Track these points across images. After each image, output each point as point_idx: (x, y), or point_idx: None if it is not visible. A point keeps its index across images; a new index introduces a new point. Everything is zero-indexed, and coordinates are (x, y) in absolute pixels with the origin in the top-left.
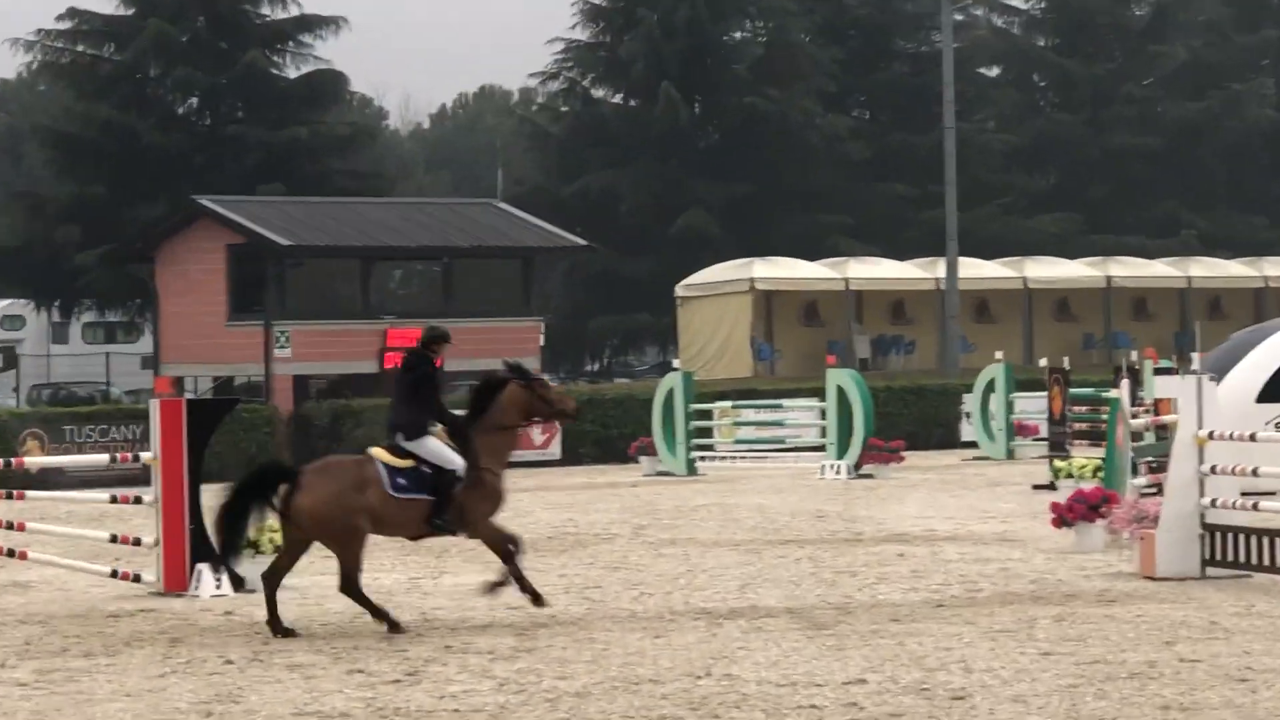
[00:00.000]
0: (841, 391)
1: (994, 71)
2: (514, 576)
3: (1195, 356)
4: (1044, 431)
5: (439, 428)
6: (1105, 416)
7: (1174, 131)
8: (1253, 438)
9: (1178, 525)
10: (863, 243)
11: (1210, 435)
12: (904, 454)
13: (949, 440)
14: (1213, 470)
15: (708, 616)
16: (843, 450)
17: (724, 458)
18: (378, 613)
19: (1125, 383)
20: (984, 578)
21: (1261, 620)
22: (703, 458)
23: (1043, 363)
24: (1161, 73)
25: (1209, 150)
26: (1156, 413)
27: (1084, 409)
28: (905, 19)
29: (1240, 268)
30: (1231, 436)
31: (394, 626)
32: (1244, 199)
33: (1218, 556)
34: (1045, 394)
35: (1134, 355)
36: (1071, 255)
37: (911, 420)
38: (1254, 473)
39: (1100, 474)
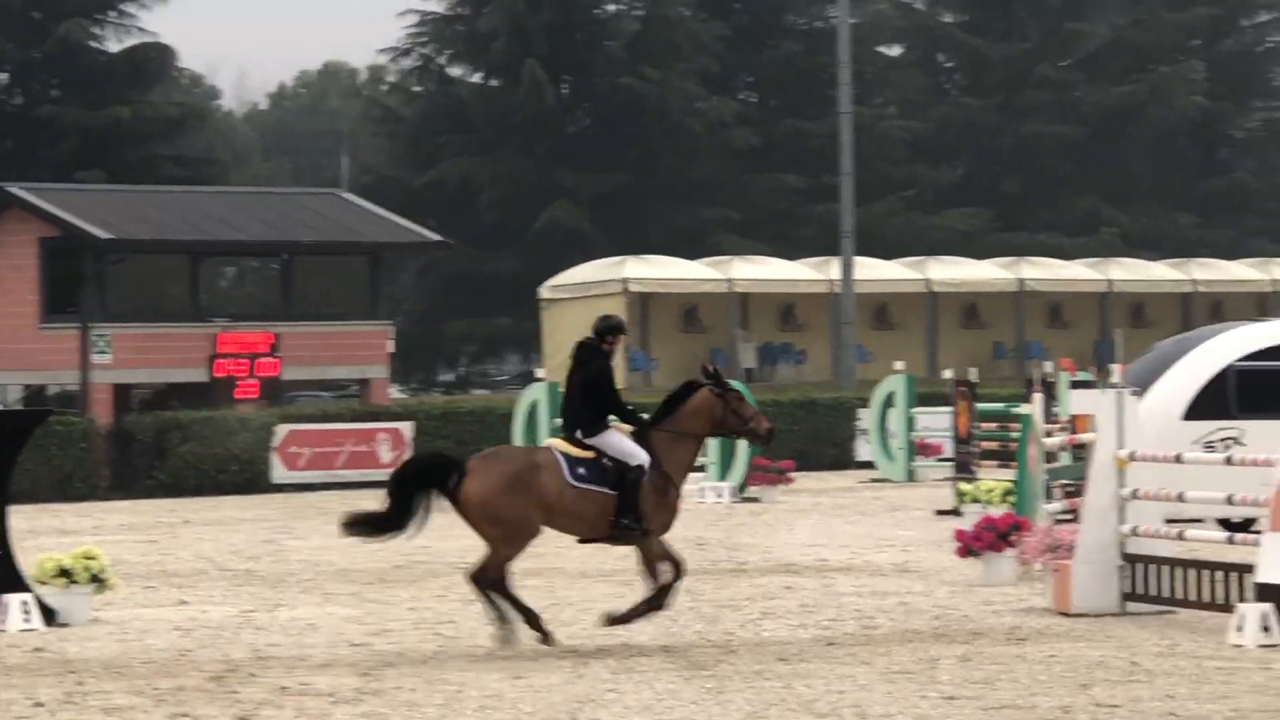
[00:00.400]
0: None
1: (896, 51)
2: (644, 607)
3: (1116, 368)
4: (949, 451)
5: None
6: (1016, 435)
7: (1095, 119)
8: (1178, 459)
9: (1095, 555)
10: (749, 240)
11: (1131, 456)
12: (793, 475)
13: (843, 460)
14: (1134, 495)
15: (574, 655)
16: (725, 471)
17: None
18: (521, 608)
19: (1038, 397)
20: (881, 613)
21: (1186, 661)
22: None
23: (948, 374)
24: (1081, 54)
25: (1133, 140)
26: (1073, 431)
27: (993, 426)
28: None
29: (1166, 270)
30: (1155, 458)
31: (544, 635)
32: (1171, 195)
33: (1139, 590)
34: (950, 409)
35: (1048, 366)
36: (980, 255)
37: (802, 438)
38: (1179, 498)
39: (1010, 498)
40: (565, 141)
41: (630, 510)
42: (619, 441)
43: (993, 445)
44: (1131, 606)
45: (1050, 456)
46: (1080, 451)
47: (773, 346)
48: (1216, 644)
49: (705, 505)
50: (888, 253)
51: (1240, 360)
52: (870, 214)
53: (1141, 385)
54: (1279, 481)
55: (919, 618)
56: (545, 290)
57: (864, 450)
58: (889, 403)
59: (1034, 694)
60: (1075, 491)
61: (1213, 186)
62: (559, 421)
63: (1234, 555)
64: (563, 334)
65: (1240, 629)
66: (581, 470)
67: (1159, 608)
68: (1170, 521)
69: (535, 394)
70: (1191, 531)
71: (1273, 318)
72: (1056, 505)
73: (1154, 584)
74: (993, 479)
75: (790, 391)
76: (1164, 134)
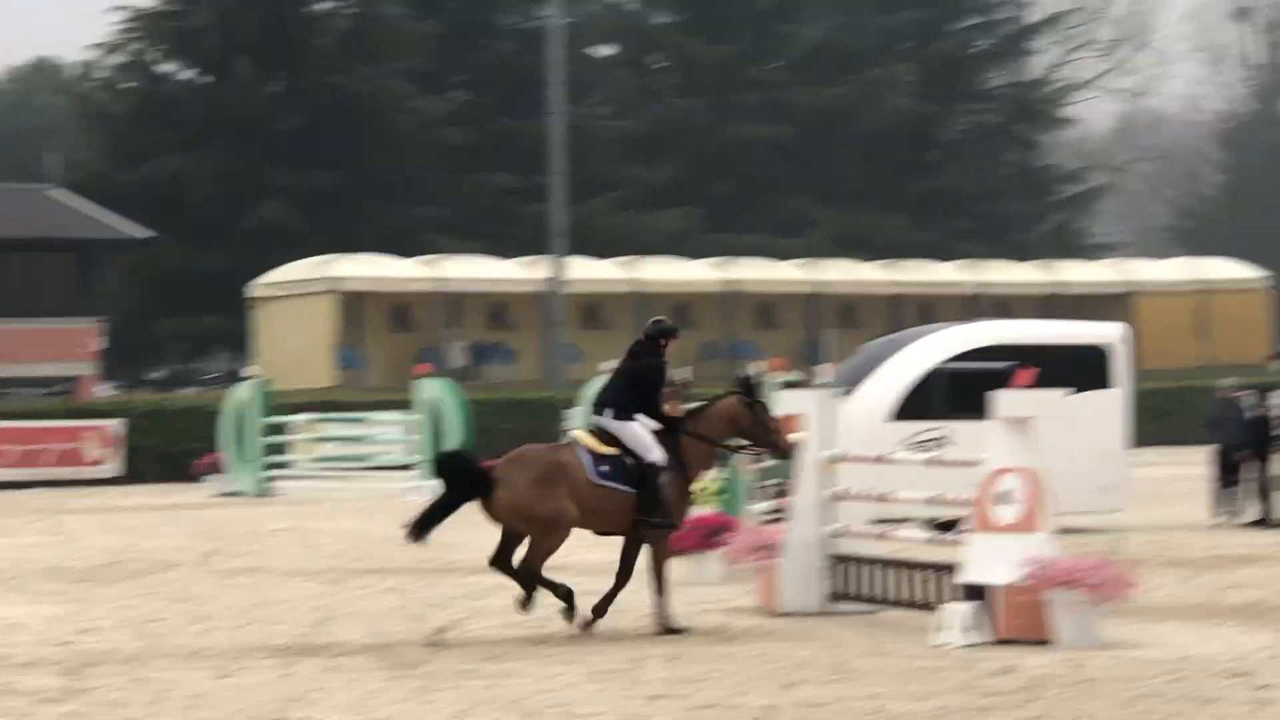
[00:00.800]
0: (435, 404)
1: (608, 51)
2: (657, 600)
3: (824, 369)
4: None
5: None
6: None
7: (805, 121)
8: (885, 459)
9: (802, 555)
10: (460, 239)
11: (838, 456)
12: None
13: None
14: (841, 495)
15: (281, 654)
16: None
17: (303, 477)
18: (555, 589)
19: None
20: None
21: (891, 660)
22: (279, 477)
23: None
24: (792, 56)
25: (843, 142)
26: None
27: None
28: None
29: (875, 272)
30: (861, 458)
31: (569, 607)
32: (881, 196)
33: (846, 589)
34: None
35: (758, 366)
36: (691, 256)
37: (512, 436)
38: (885, 498)
39: (719, 498)
40: (276, 139)
41: (656, 508)
42: (640, 433)
43: None
44: (838, 606)
45: (759, 457)
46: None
47: (483, 345)
48: (921, 643)
49: (415, 503)
50: (599, 252)
51: (948, 361)
52: (581, 214)
53: (850, 386)
54: (984, 482)
55: (626, 617)
56: (256, 289)
57: None
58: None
59: (740, 693)
60: (783, 491)
61: (922, 188)
62: (269, 421)
63: (939, 555)
64: (273, 332)
65: (944, 628)
66: (605, 468)
67: (865, 607)
68: (876, 521)
69: (244, 392)
70: (897, 531)
71: (981, 319)
72: (764, 505)
73: (860, 583)
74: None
75: (501, 390)
76: (874, 136)
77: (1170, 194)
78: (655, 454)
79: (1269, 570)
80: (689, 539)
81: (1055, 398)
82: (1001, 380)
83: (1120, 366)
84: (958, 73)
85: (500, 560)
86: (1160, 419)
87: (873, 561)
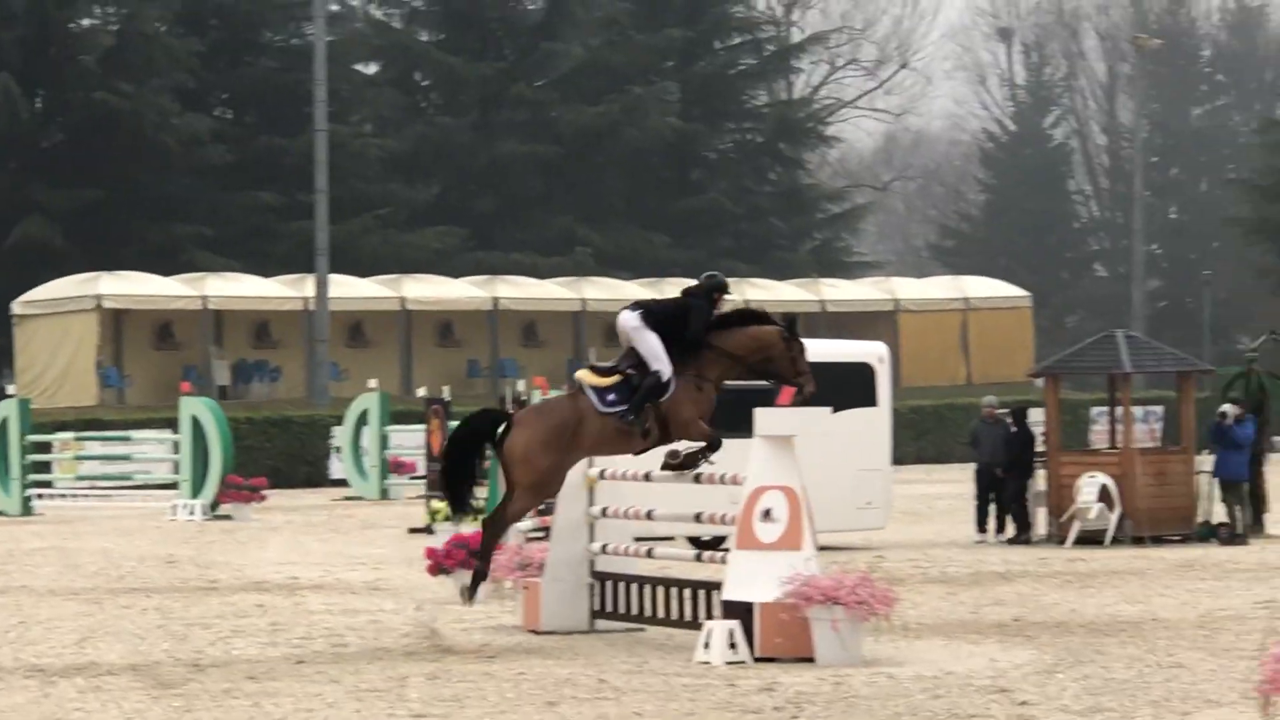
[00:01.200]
0: (197, 422)
1: (372, 69)
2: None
3: None
4: (422, 469)
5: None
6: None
7: (569, 139)
8: (647, 477)
9: (564, 573)
10: (223, 256)
11: (601, 475)
12: (266, 493)
13: (317, 478)
14: (603, 513)
15: (40, 674)
16: (198, 488)
17: (64, 495)
18: (479, 573)
19: None
20: (352, 631)
21: (654, 678)
22: (40, 495)
23: (421, 392)
24: (556, 74)
25: (607, 160)
26: None
27: None
28: (274, 8)
29: (639, 289)
30: (624, 476)
31: (471, 593)
32: (644, 215)
33: (608, 607)
34: (424, 427)
35: (521, 385)
36: (455, 274)
37: (275, 455)
38: (648, 516)
39: (483, 517)
40: (38, 156)
41: (634, 409)
42: (654, 344)
43: None
44: (601, 624)
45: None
46: None
47: (247, 364)
48: (684, 661)
49: (177, 523)
50: (363, 270)
51: None
52: (345, 231)
53: None
54: (746, 500)
55: (389, 635)
56: (17, 306)
57: (337, 468)
58: (363, 420)
59: (502, 712)
60: (548, 510)
61: (686, 207)
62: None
63: (702, 573)
64: (34, 350)
65: (708, 646)
66: (610, 396)
67: (628, 625)
68: (639, 540)
69: (4, 411)
70: (660, 549)
71: None
72: (528, 523)
73: (623, 601)
74: None
75: (264, 409)
76: (638, 154)
77: (932, 213)
78: (662, 367)
79: (1028, 587)
80: (455, 557)
81: (817, 416)
82: (764, 398)
83: (882, 385)
84: (721, 91)
85: (495, 522)
86: (922, 437)
87: (636, 579)
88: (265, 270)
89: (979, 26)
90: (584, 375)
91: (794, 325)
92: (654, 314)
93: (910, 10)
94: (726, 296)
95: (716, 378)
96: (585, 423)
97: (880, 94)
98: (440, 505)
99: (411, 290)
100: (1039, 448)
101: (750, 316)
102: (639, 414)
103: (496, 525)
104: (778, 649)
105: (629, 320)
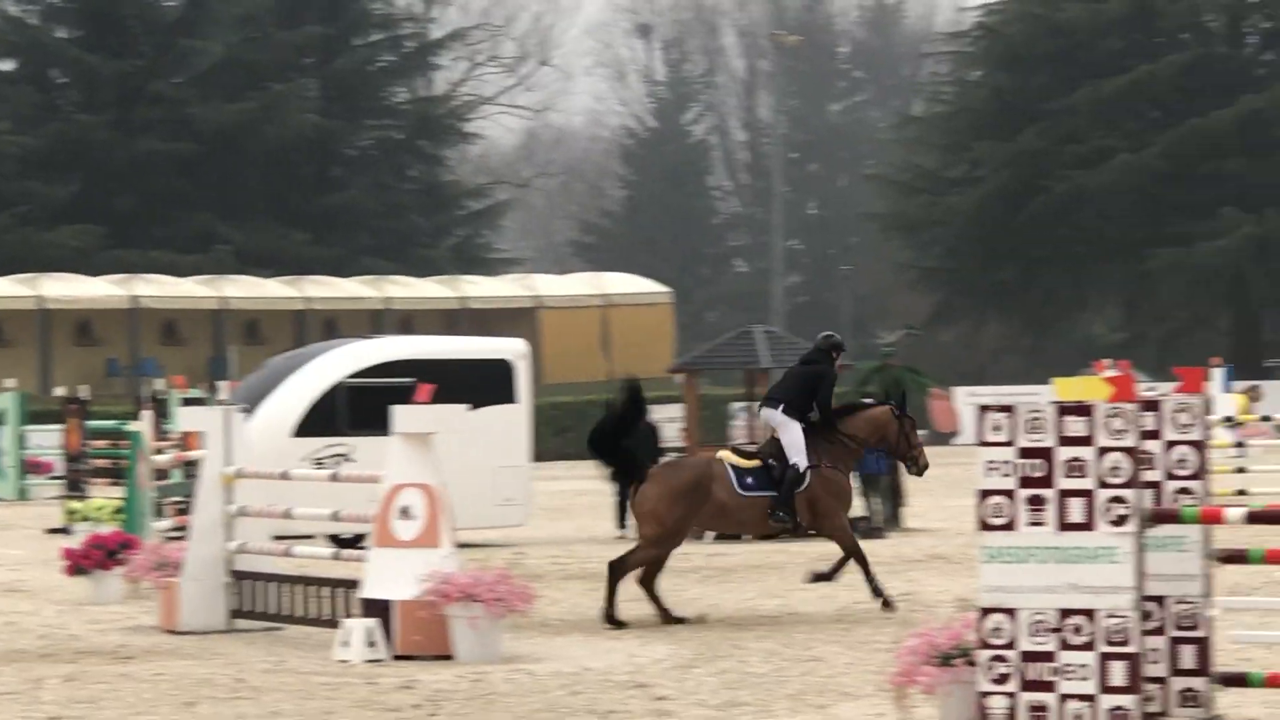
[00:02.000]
0: None
1: (9, 66)
2: (866, 577)
3: (226, 385)
4: (60, 469)
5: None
6: (127, 452)
7: (208, 137)
8: (286, 476)
9: (202, 572)
10: None
11: (239, 473)
12: None
13: None
14: (242, 512)
15: None
16: None
17: None
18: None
19: (149, 414)
20: None
21: (293, 677)
22: None
23: (59, 392)
24: (195, 71)
25: (247, 158)
26: (184, 448)
27: (104, 444)
28: None
29: (280, 287)
30: (262, 474)
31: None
32: (285, 212)
33: (247, 606)
34: (62, 427)
35: (160, 383)
36: (94, 272)
37: None
38: (287, 514)
39: (121, 516)
40: None
41: (783, 505)
42: (798, 437)
43: (104, 463)
44: (240, 623)
45: (161, 474)
46: (191, 469)
47: None
48: (323, 659)
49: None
50: (0, 269)
51: (350, 377)
52: None
53: (253, 402)
54: (384, 497)
55: (25, 637)
56: None
57: None
58: (0, 421)
59: (139, 713)
60: (186, 509)
61: (326, 204)
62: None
63: (341, 571)
64: None
65: (347, 644)
66: (749, 480)
67: (267, 624)
68: (278, 538)
69: None
70: (299, 548)
71: (385, 335)
72: (166, 523)
73: (262, 600)
74: (104, 497)
75: None
76: (278, 151)
77: (573, 209)
78: (800, 459)
79: (669, 582)
80: (92, 557)
81: (456, 413)
82: (402, 395)
83: (522, 381)
84: (361, 88)
85: (647, 581)
86: (563, 433)
87: (274, 578)
88: None
89: (619, 23)
90: (727, 455)
91: (904, 403)
92: (794, 405)
93: (550, 6)
94: (843, 353)
95: (846, 468)
96: (715, 492)
97: (521, 91)
98: (79, 505)
99: (49, 289)
100: (675, 444)
101: (864, 404)
102: (789, 510)
103: (617, 571)
104: (417, 646)
105: (774, 417)
